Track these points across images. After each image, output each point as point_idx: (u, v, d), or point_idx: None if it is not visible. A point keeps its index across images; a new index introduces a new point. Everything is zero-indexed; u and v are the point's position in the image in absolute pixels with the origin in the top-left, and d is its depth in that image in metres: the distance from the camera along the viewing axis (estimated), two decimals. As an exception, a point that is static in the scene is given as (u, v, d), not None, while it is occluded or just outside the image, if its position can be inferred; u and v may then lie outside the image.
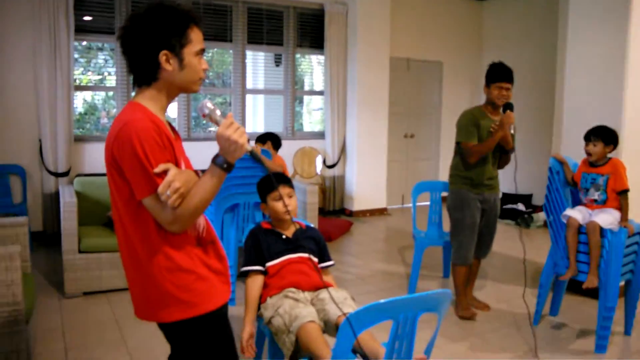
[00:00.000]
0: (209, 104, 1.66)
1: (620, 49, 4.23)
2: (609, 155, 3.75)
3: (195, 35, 1.68)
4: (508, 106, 3.75)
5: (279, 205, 2.73)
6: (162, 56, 1.63)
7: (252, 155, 1.70)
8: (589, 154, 3.73)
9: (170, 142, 1.64)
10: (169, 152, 1.62)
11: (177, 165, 1.65)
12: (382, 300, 1.88)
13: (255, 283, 2.65)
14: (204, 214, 1.80)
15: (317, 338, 2.33)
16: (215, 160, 1.61)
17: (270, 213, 2.81)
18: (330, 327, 2.49)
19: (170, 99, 1.74)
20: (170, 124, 1.77)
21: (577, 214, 3.65)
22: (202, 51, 1.70)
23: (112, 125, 1.65)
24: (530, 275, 4.95)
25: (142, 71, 1.68)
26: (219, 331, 1.80)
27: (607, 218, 3.54)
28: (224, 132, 1.57)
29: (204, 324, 1.73)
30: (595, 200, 3.71)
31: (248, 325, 2.54)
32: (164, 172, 1.55)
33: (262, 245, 2.70)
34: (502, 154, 3.92)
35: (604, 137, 3.68)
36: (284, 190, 2.77)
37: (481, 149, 3.75)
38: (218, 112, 1.66)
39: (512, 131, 3.72)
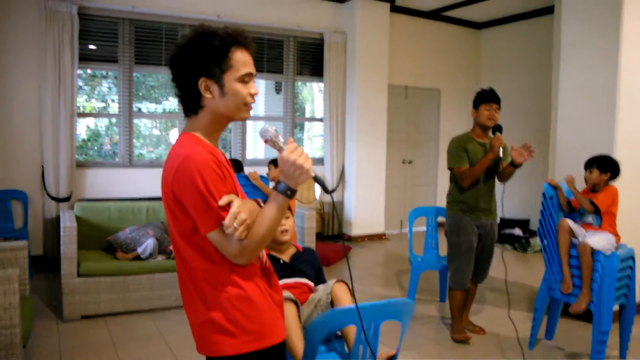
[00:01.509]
0: (271, 129, 1.59)
1: (611, 76, 4.31)
2: (611, 183, 3.81)
3: (238, 60, 1.58)
4: (497, 128, 3.85)
5: None
6: (202, 84, 1.58)
7: (317, 180, 1.61)
8: (585, 180, 3.81)
9: (229, 173, 1.61)
10: (229, 183, 1.58)
11: (237, 195, 1.61)
12: (344, 307, 1.97)
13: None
14: None
15: (292, 318, 2.46)
16: (277, 187, 1.55)
17: None
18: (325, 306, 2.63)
19: (220, 127, 1.67)
20: (223, 154, 1.71)
21: (572, 223, 3.72)
22: (248, 75, 1.61)
23: (168, 158, 1.59)
24: (526, 299, 4.97)
25: (186, 100, 1.63)
26: None
27: (599, 240, 3.59)
28: (290, 156, 1.51)
29: (267, 358, 1.64)
30: (591, 224, 3.77)
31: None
32: (228, 205, 1.51)
33: None
34: (513, 166, 3.88)
35: (600, 164, 3.76)
36: None
37: (473, 172, 3.81)
38: (281, 138, 1.59)
39: (501, 154, 3.77)
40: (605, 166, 3.77)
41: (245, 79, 1.60)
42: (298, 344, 2.40)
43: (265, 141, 1.60)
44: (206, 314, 1.59)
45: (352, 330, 2.37)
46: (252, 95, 1.63)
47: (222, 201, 1.49)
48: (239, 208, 1.49)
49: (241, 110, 1.62)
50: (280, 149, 1.57)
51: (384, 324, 2.18)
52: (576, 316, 4.37)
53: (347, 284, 2.70)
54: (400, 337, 2.24)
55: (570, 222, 3.74)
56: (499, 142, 3.74)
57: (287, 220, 2.86)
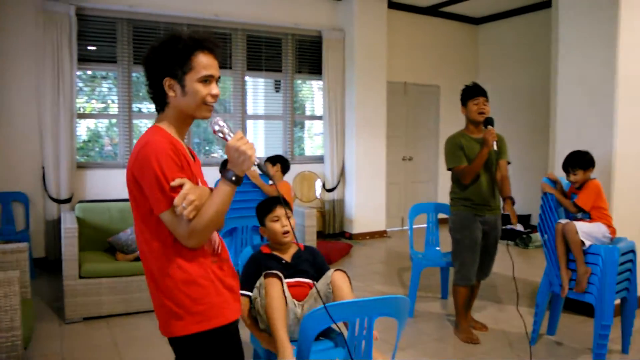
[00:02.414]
0: (221, 121, 1.74)
1: (609, 70, 4.30)
2: (592, 176, 3.82)
3: (201, 62, 1.73)
4: (488, 121, 3.83)
5: (276, 226, 2.80)
6: (166, 83, 1.73)
7: (260, 168, 1.74)
8: (573, 182, 3.82)
9: (188, 163, 1.74)
10: (186, 171, 1.71)
11: (195, 184, 1.74)
12: (336, 302, 1.99)
13: (245, 306, 2.70)
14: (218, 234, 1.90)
15: (278, 290, 2.52)
16: (224, 173, 1.70)
17: (269, 235, 2.87)
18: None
19: (183, 124, 1.82)
20: (189, 149, 1.87)
21: (565, 221, 3.72)
22: (209, 77, 1.75)
23: (134, 147, 1.74)
24: (529, 295, 4.97)
25: (155, 97, 1.80)
26: (231, 346, 1.83)
27: (588, 227, 3.62)
28: (234, 143, 1.67)
29: (217, 338, 1.77)
30: (582, 219, 3.78)
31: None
32: (180, 187, 1.63)
33: (262, 270, 2.74)
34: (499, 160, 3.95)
35: (581, 164, 3.76)
36: (281, 211, 2.85)
37: (472, 168, 3.81)
38: (228, 130, 1.73)
39: (495, 147, 3.76)
40: (586, 164, 3.77)
41: (205, 80, 1.74)
42: (278, 324, 2.43)
43: (214, 132, 1.74)
44: (159, 297, 1.74)
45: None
46: (213, 96, 1.76)
47: (174, 182, 1.63)
48: (189, 190, 1.63)
49: (201, 109, 1.76)
50: (226, 139, 1.71)
51: (386, 322, 2.18)
52: (578, 311, 4.38)
53: (346, 273, 2.72)
54: (397, 334, 2.23)
55: (564, 221, 3.73)
56: (492, 135, 3.73)
57: (289, 220, 2.86)
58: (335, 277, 2.67)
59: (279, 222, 2.83)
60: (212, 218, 1.66)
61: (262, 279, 2.59)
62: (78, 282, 4.24)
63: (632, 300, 3.73)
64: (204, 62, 1.74)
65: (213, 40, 1.79)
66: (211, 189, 1.76)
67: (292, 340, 2.51)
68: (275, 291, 2.51)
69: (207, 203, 1.67)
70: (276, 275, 2.56)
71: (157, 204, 1.65)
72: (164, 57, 1.73)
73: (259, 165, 1.73)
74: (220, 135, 1.74)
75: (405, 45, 8.43)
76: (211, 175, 4.82)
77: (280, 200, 2.95)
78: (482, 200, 3.92)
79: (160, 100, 1.79)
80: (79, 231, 4.29)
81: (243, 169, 1.69)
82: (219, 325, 1.75)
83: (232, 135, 1.71)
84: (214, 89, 1.76)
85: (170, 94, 1.74)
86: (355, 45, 7.53)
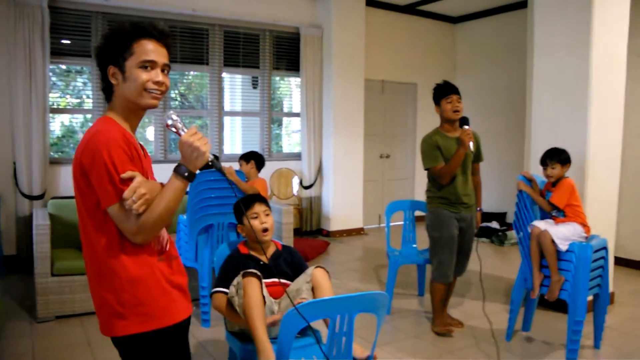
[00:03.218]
0: (174, 115, 1.69)
1: (583, 69, 4.35)
2: (566, 174, 3.87)
3: (142, 48, 1.68)
4: (464, 121, 3.85)
5: (255, 223, 2.78)
6: (109, 71, 1.70)
7: (214, 164, 1.71)
8: (549, 176, 3.85)
9: (138, 156, 1.68)
10: (137, 164, 1.65)
11: (146, 176, 1.69)
12: (316, 299, 1.98)
13: (223, 301, 2.67)
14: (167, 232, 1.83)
15: (256, 290, 2.49)
16: (177, 169, 1.64)
17: (247, 233, 2.84)
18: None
19: (132, 114, 1.76)
20: (141, 145, 1.81)
21: (542, 224, 3.75)
22: (150, 62, 1.69)
23: (83, 137, 1.67)
24: (504, 292, 5.02)
25: (103, 87, 1.76)
26: (176, 347, 1.77)
27: (563, 231, 3.65)
28: (188, 138, 1.63)
29: (161, 339, 1.70)
30: (558, 217, 3.82)
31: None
32: (130, 180, 1.58)
33: (240, 270, 2.71)
34: (473, 162, 4.01)
35: (560, 158, 3.81)
36: (260, 207, 2.82)
37: (449, 169, 3.83)
38: (181, 124, 1.70)
39: (471, 148, 3.79)
40: (565, 159, 3.83)
41: (146, 65, 1.68)
42: (257, 324, 2.40)
43: (167, 126, 1.70)
44: (102, 295, 1.67)
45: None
46: (156, 83, 1.69)
47: (125, 175, 1.57)
48: (140, 183, 1.57)
49: (143, 95, 1.69)
50: (180, 134, 1.68)
51: (362, 319, 2.18)
52: (552, 307, 4.44)
53: (326, 270, 2.71)
54: (377, 329, 2.23)
55: (540, 224, 3.77)
56: (468, 136, 3.75)
57: (268, 217, 2.84)
58: (316, 274, 2.66)
59: (258, 219, 2.80)
60: (162, 214, 1.60)
61: (239, 277, 2.56)
62: (50, 280, 4.16)
63: (604, 297, 3.79)
64: (147, 48, 1.68)
65: (161, 28, 1.73)
66: (163, 185, 1.69)
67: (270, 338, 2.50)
68: (254, 290, 2.48)
69: (158, 198, 1.61)
70: (254, 275, 2.53)
71: (105, 196, 1.58)
72: (108, 46, 1.70)
73: (212, 162, 1.69)
74: (174, 129, 1.70)
75: (383, 43, 8.45)
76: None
77: (259, 197, 2.92)
78: (458, 199, 3.94)
79: (107, 90, 1.75)
80: (52, 228, 4.21)
81: (196, 165, 1.65)
82: (163, 326, 1.69)
83: (185, 130, 1.67)
84: (158, 75, 1.70)
85: (113, 81, 1.70)
86: (333, 43, 7.52)
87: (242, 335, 2.69)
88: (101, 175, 1.57)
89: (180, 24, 6.73)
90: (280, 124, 8.37)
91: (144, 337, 1.67)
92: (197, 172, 1.70)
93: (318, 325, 2.70)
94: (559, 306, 4.34)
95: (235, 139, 7.91)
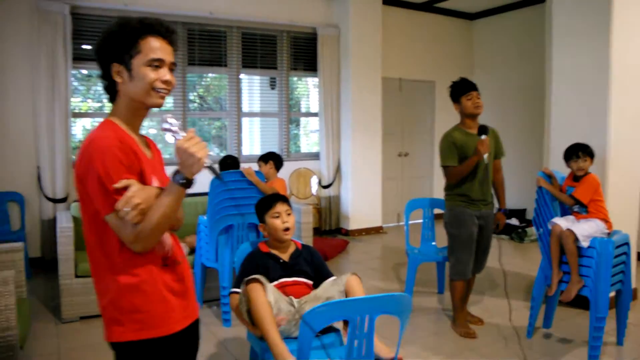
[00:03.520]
0: (170, 119, 1.63)
1: (603, 64, 4.31)
2: (591, 172, 3.84)
3: (149, 46, 1.63)
4: (483, 130, 3.78)
5: (277, 222, 2.80)
6: (113, 69, 1.65)
7: (212, 170, 1.64)
8: (580, 169, 3.80)
9: (138, 160, 1.63)
10: (135, 170, 1.61)
11: (146, 183, 1.64)
12: (337, 300, 1.95)
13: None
14: (174, 233, 1.81)
15: (261, 296, 2.49)
16: (173, 176, 1.59)
17: (268, 232, 2.87)
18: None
19: (136, 114, 1.72)
20: (149, 141, 1.80)
21: (563, 222, 3.72)
22: (158, 60, 1.64)
23: (82, 144, 1.64)
24: (524, 289, 4.99)
25: (105, 87, 1.71)
26: (173, 357, 1.73)
27: (586, 228, 3.60)
28: (183, 144, 1.55)
29: (156, 348, 1.67)
30: (580, 213, 3.79)
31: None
32: (124, 189, 1.53)
33: (260, 269, 2.74)
34: (495, 159, 4.00)
35: (590, 153, 3.79)
36: (282, 207, 2.85)
37: (458, 172, 3.83)
38: (177, 129, 1.63)
39: (485, 160, 3.76)
40: (592, 153, 3.82)
41: (154, 64, 1.64)
42: (268, 327, 2.41)
43: (163, 129, 1.63)
44: (102, 300, 1.66)
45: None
46: (164, 82, 1.65)
47: (119, 184, 1.53)
48: (134, 193, 1.53)
49: (150, 95, 1.65)
50: (176, 138, 1.61)
51: (386, 319, 2.16)
52: (573, 303, 4.40)
53: (359, 277, 2.71)
54: (400, 333, 2.20)
55: (560, 221, 3.74)
56: (484, 146, 3.70)
57: (289, 217, 2.85)
58: (350, 281, 2.65)
59: (280, 219, 2.82)
60: (159, 222, 1.55)
61: (243, 286, 2.55)
62: (74, 282, 4.23)
63: (626, 293, 3.76)
64: (154, 46, 1.64)
65: (166, 25, 1.69)
66: (162, 189, 1.64)
67: (290, 338, 2.53)
68: (259, 297, 2.48)
69: (155, 206, 1.55)
70: (257, 281, 2.53)
71: (101, 206, 1.55)
72: (112, 42, 1.64)
73: (210, 168, 1.62)
74: (170, 134, 1.64)
75: (400, 41, 8.43)
76: (209, 173, 4.83)
77: (280, 197, 2.95)
78: (478, 196, 3.93)
79: (110, 89, 1.70)
80: (75, 230, 4.29)
81: (193, 172, 1.56)
82: (158, 336, 1.65)
83: (182, 134, 1.60)
84: (166, 74, 1.66)
85: (118, 79, 1.65)
86: (350, 42, 7.53)
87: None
88: (95, 185, 1.54)
89: (198, 27, 6.80)
90: (298, 124, 8.41)
91: (140, 345, 1.64)
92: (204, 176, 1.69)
93: (339, 325, 2.71)
94: (581, 303, 4.30)
95: (254, 140, 7.97)
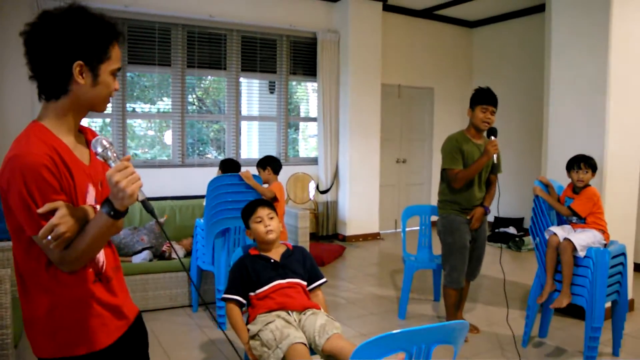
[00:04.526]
0: (105, 141, 1.48)
1: (601, 73, 4.32)
2: (590, 184, 3.84)
3: (116, 53, 1.54)
4: (492, 132, 3.82)
5: (260, 227, 2.81)
6: (76, 67, 1.47)
7: (145, 205, 1.48)
8: (580, 180, 3.80)
9: (70, 174, 1.49)
10: (66, 186, 1.47)
11: (77, 198, 1.51)
12: (395, 331, 1.75)
13: (235, 311, 2.70)
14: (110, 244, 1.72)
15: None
16: (103, 205, 1.44)
17: (254, 237, 2.88)
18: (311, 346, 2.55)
19: (79, 115, 1.58)
20: (89, 136, 1.65)
21: (560, 231, 3.71)
22: (117, 70, 1.57)
23: (8, 151, 1.48)
24: (521, 297, 4.98)
25: (50, 81, 1.50)
26: None
27: (584, 239, 3.60)
28: (113, 176, 1.38)
29: None
30: (577, 223, 3.79)
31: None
32: (51, 214, 1.40)
33: (250, 273, 2.73)
34: (491, 173, 3.99)
35: (592, 166, 3.79)
36: (263, 211, 2.85)
37: (466, 175, 3.82)
38: (112, 153, 1.48)
39: (495, 160, 3.78)
40: (594, 166, 3.81)
41: (115, 73, 1.57)
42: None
43: (96, 154, 1.49)
44: (30, 315, 1.54)
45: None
46: (115, 91, 1.60)
47: (43, 209, 1.40)
48: (60, 219, 1.40)
49: (104, 102, 1.58)
50: (109, 165, 1.46)
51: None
52: (569, 313, 4.40)
53: (340, 334, 2.54)
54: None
55: (557, 230, 3.74)
56: (494, 147, 3.73)
57: (272, 221, 2.86)
58: (333, 343, 2.47)
59: (262, 223, 2.83)
60: (85, 250, 1.45)
61: (287, 342, 2.45)
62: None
63: (622, 303, 3.75)
64: (119, 55, 1.56)
65: (122, 31, 1.59)
66: (95, 209, 1.54)
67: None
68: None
69: (81, 235, 1.44)
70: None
71: (26, 226, 1.43)
72: (79, 37, 1.46)
73: (143, 202, 1.46)
74: (102, 159, 1.49)
75: (400, 47, 8.45)
76: (206, 175, 4.84)
77: (262, 202, 2.95)
78: (470, 204, 3.94)
79: (57, 86, 1.50)
80: (71, 230, 4.26)
81: (123, 204, 1.41)
82: (88, 352, 1.56)
83: (116, 161, 1.45)
84: (117, 83, 1.60)
85: (79, 80, 1.48)
86: (350, 47, 7.55)
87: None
88: (18, 205, 1.41)
89: (199, 29, 6.80)
90: (297, 129, 8.41)
91: None
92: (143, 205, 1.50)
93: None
94: (577, 312, 4.30)
95: (252, 144, 7.97)
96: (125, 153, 6.42)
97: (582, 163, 3.79)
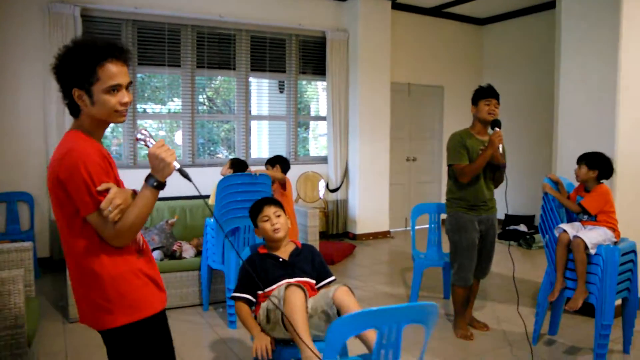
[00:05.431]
0: (143, 130, 1.85)
1: (611, 71, 4.30)
2: (603, 182, 3.81)
3: (107, 73, 1.74)
4: (496, 123, 3.83)
5: (267, 226, 2.83)
6: (75, 93, 1.77)
7: (181, 173, 1.84)
8: (577, 175, 3.83)
9: (110, 166, 1.82)
10: (111, 174, 1.79)
11: (119, 185, 1.83)
12: (367, 309, 1.93)
13: (244, 309, 2.72)
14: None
15: (299, 299, 2.47)
16: (147, 179, 1.79)
17: (262, 236, 2.90)
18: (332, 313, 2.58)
19: (100, 126, 1.87)
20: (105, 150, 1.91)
21: (570, 228, 3.70)
22: (117, 86, 1.77)
23: (55, 151, 1.80)
24: (531, 295, 4.97)
25: (67, 105, 1.84)
26: (160, 334, 1.94)
27: (595, 236, 3.58)
28: (155, 150, 1.77)
29: (146, 328, 1.86)
30: (588, 221, 3.78)
31: (263, 335, 2.59)
32: (106, 191, 1.71)
33: (259, 272, 2.75)
34: (495, 171, 3.99)
35: (588, 160, 3.76)
36: (269, 210, 2.87)
37: (472, 168, 3.82)
38: (151, 139, 1.84)
39: (500, 151, 3.79)
40: (593, 162, 3.76)
41: (112, 90, 1.77)
42: (304, 335, 2.38)
43: (137, 139, 1.85)
44: (88, 293, 1.81)
45: (371, 334, 2.33)
46: (123, 104, 1.80)
47: (101, 187, 1.71)
48: (115, 194, 1.71)
49: (112, 116, 1.81)
50: (148, 146, 1.82)
51: (405, 328, 2.13)
52: (580, 311, 4.37)
53: (349, 287, 2.61)
54: (425, 340, 2.17)
55: (567, 227, 3.73)
56: (498, 138, 3.74)
57: (279, 219, 2.87)
58: (337, 296, 2.55)
59: (269, 222, 2.85)
60: (136, 220, 1.75)
61: (282, 290, 2.54)
62: (82, 281, 4.25)
63: (633, 301, 3.74)
64: (111, 72, 1.75)
65: (120, 46, 1.80)
66: (135, 192, 1.84)
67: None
68: (298, 299, 2.46)
69: (131, 206, 1.76)
70: (298, 286, 2.52)
71: (84, 206, 1.72)
72: (70, 68, 1.75)
73: (180, 171, 1.82)
74: (143, 143, 1.85)
75: (409, 46, 8.44)
76: (217, 175, 4.86)
77: (268, 200, 2.97)
78: (478, 201, 3.93)
79: (73, 108, 1.83)
80: (83, 230, 4.31)
81: (164, 175, 1.78)
82: (147, 316, 1.85)
83: (153, 142, 1.81)
84: (124, 96, 1.80)
85: (80, 103, 1.78)
86: (359, 46, 7.55)
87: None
88: (79, 188, 1.70)
89: (208, 30, 6.84)
90: (307, 128, 8.43)
91: (131, 328, 1.83)
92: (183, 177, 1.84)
93: (350, 342, 2.65)
94: (587, 310, 4.28)
95: (262, 143, 8.00)
96: (136, 154, 6.48)
97: (579, 159, 3.79)
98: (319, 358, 2.28)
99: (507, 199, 4.08)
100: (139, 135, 1.85)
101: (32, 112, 5.83)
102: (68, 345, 3.85)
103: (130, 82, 1.85)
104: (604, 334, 3.48)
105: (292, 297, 2.48)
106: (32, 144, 5.84)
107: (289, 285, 2.54)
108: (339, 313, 2.54)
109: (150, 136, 1.85)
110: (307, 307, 2.52)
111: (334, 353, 1.95)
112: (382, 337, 1.98)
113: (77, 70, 1.74)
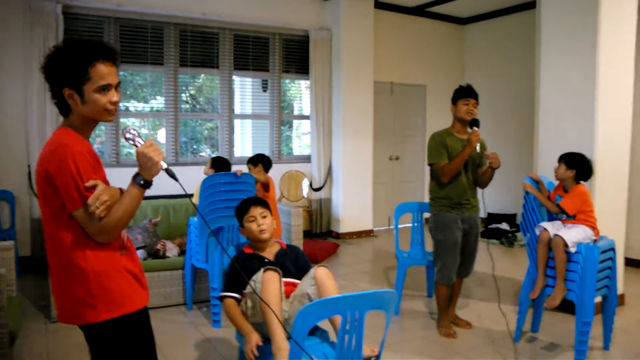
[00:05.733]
0: (132, 130, 1.89)
1: (590, 71, 4.36)
2: (582, 182, 3.86)
3: (98, 72, 1.79)
4: (474, 122, 3.89)
5: (253, 226, 2.83)
6: (65, 93, 1.80)
7: (168, 172, 1.86)
8: (555, 174, 3.89)
9: (99, 163, 1.87)
10: (99, 172, 1.85)
11: (105, 182, 1.86)
12: (330, 297, 2.06)
13: (233, 306, 2.70)
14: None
15: (274, 284, 2.49)
16: (134, 177, 1.84)
17: (248, 236, 2.90)
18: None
19: (90, 125, 1.91)
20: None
21: (550, 227, 3.76)
22: (107, 86, 1.81)
23: (45, 146, 1.84)
24: (513, 293, 5.03)
25: (57, 104, 1.87)
26: (142, 331, 1.97)
27: (574, 235, 3.64)
28: (143, 149, 1.81)
29: (128, 324, 1.89)
30: (567, 219, 3.83)
31: (253, 332, 2.52)
32: (93, 187, 1.75)
33: (244, 271, 2.75)
34: (479, 167, 4.02)
35: (567, 160, 3.82)
36: (255, 210, 2.87)
37: (452, 167, 3.86)
38: (140, 139, 1.88)
39: (477, 149, 3.82)
40: (572, 162, 3.81)
41: (103, 90, 1.81)
42: (275, 322, 2.37)
43: (126, 139, 1.89)
44: (71, 288, 1.83)
45: (338, 320, 2.39)
46: (112, 103, 1.85)
47: (89, 183, 1.75)
48: (102, 191, 1.76)
49: (102, 114, 1.85)
50: (136, 145, 1.86)
51: (371, 319, 2.21)
52: (561, 308, 4.44)
53: (329, 268, 2.65)
54: (386, 326, 2.27)
55: (548, 226, 3.78)
56: (476, 137, 3.79)
57: (265, 219, 2.87)
58: (318, 273, 2.59)
59: (255, 222, 2.85)
60: (122, 217, 1.79)
61: (260, 273, 2.56)
62: (64, 281, 4.22)
63: (612, 298, 3.80)
64: (102, 72, 1.80)
65: (109, 47, 1.85)
66: (122, 190, 1.88)
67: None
68: (274, 285, 2.47)
69: (118, 204, 1.79)
70: (275, 270, 2.53)
71: (71, 202, 1.75)
72: (62, 67, 1.78)
73: (167, 170, 1.86)
74: (131, 142, 1.88)
75: (392, 45, 8.48)
76: (200, 174, 4.85)
77: (254, 201, 2.97)
78: (461, 199, 3.97)
79: (63, 107, 1.85)
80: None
81: (151, 173, 1.83)
82: (129, 312, 1.88)
83: (142, 142, 1.85)
84: (113, 96, 1.84)
85: (71, 102, 1.81)
86: (342, 45, 7.57)
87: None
88: (67, 183, 1.74)
89: (191, 28, 6.81)
90: (290, 126, 8.43)
91: (113, 323, 1.86)
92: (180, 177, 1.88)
93: (325, 325, 2.72)
94: (568, 307, 4.34)
95: (246, 142, 7.99)
96: (119, 153, 6.43)
97: (560, 157, 3.86)
98: (286, 343, 2.30)
99: (484, 199, 4.12)
100: (127, 135, 1.88)
101: (13, 110, 5.76)
102: (50, 345, 3.81)
103: (119, 83, 1.88)
104: (584, 330, 3.54)
105: (268, 284, 2.48)
106: (13, 141, 5.77)
107: (266, 269, 2.54)
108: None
109: (139, 135, 1.89)
110: (281, 293, 2.52)
111: (302, 339, 2.07)
112: (345, 323, 2.12)
113: (68, 69, 1.77)
